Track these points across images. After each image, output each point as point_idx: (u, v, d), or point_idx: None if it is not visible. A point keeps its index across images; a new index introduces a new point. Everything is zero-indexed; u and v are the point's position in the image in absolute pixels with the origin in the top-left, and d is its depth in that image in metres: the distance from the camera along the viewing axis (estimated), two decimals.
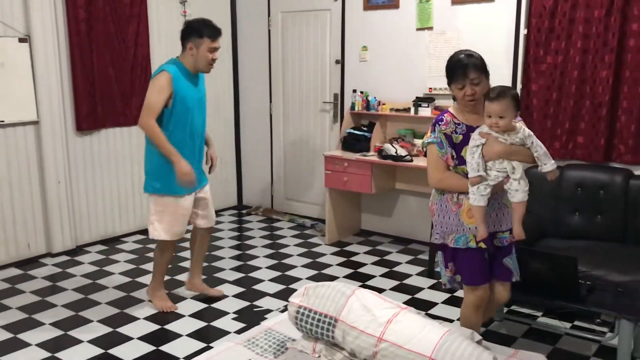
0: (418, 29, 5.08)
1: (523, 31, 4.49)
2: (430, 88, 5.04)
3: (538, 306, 3.83)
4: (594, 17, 4.15)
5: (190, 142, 3.66)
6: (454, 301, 4.08)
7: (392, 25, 5.23)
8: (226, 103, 6.43)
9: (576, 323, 3.66)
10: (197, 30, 3.53)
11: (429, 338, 2.31)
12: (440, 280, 3.65)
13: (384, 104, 5.27)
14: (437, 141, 2.80)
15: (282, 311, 3.73)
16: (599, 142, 4.22)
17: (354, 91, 5.43)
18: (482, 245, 2.80)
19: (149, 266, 4.65)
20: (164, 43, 5.59)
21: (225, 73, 6.33)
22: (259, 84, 6.30)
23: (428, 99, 4.97)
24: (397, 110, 5.14)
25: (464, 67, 2.74)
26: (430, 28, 5.00)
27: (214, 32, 3.55)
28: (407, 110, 5.07)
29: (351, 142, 5.28)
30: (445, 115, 2.84)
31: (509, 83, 4.63)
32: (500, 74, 4.64)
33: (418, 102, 5.00)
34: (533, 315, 3.78)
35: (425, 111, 4.94)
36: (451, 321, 3.68)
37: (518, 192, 2.74)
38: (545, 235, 4.24)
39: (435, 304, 4.05)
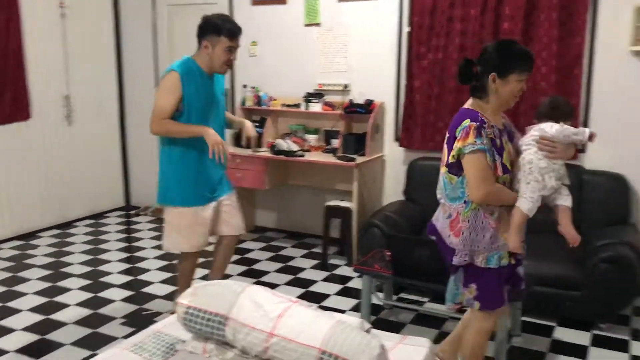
0: (306, 25, 5.12)
1: (406, 28, 4.65)
2: (320, 84, 5.10)
3: (425, 292, 3.99)
4: (470, 15, 4.38)
5: (203, 151, 3.24)
6: (346, 292, 4.17)
7: (280, 21, 5.23)
8: (110, 100, 6.13)
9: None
10: (215, 27, 3.18)
11: (318, 330, 2.32)
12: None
13: (275, 100, 5.27)
14: (487, 147, 2.40)
15: (173, 313, 3.62)
16: None
17: (245, 86, 5.38)
18: (512, 260, 2.59)
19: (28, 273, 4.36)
20: (38, 37, 5.23)
21: (108, 69, 6.04)
22: (144, 80, 6.07)
23: (318, 95, 5.03)
24: (289, 105, 5.15)
25: (532, 60, 2.50)
26: (318, 24, 5.06)
27: (233, 31, 3.20)
28: (298, 105, 5.10)
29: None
30: (479, 115, 2.44)
31: (393, 79, 4.80)
32: (386, 70, 4.80)
33: (308, 97, 5.04)
34: (420, 301, 3.93)
35: (316, 107, 4.99)
36: (343, 312, 3.75)
37: (569, 195, 2.63)
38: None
39: (329, 295, 4.11)
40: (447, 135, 2.51)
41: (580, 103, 4.18)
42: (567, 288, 3.54)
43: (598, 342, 3.42)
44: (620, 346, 3.37)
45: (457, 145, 2.41)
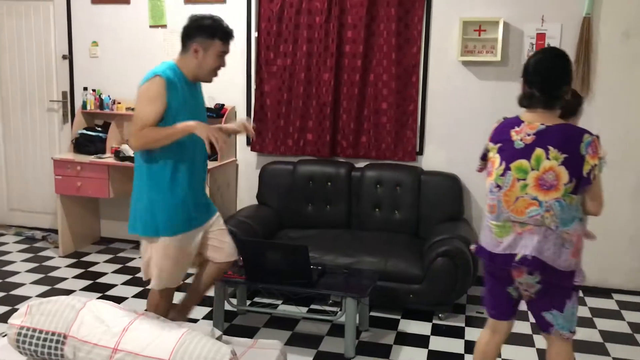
0: (151, 26, 4.94)
1: (254, 34, 4.68)
2: None
3: (277, 295, 4.02)
4: (315, 23, 4.51)
5: (191, 167, 2.86)
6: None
7: (123, 21, 5.00)
8: None
9: (312, 307, 3.94)
10: (208, 29, 2.78)
11: (166, 341, 2.24)
12: None
13: (119, 103, 5.02)
14: None
15: (5, 335, 3.29)
16: (325, 138, 4.60)
17: (85, 89, 5.06)
18: None
19: None
20: None
21: None
22: None
23: None
24: (134, 109, 4.92)
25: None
26: (164, 26, 4.91)
27: (228, 33, 2.85)
28: None
29: (84, 144, 4.91)
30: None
31: (244, 84, 4.80)
32: (236, 74, 4.78)
33: None
34: (274, 304, 3.96)
35: None
36: (196, 321, 3.66)
37: None
38: (284, 226, 4.49)
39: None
40: (563, 156, 2.28)
41: (417, 108, 4.47)
42: (410, 282, 3.76)
43: (438, 330, 3.68)
44: (457, 333, 3.65)
45: (592, 162, 2.27)
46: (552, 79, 2.36)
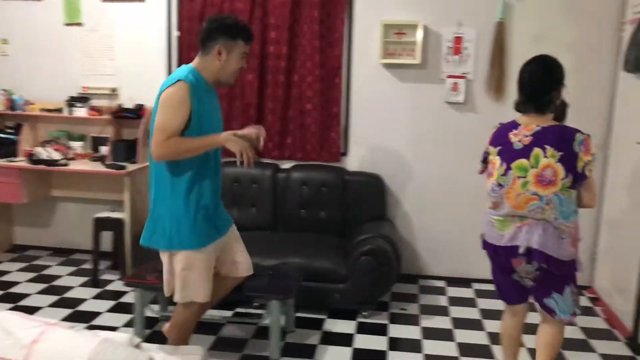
0: (67, 24, 4.74)
1: (175, 33, 4.58)
2: (85, 87, 4.77)
3: None
4: None
5: (214, 177, 2.74)
6: (120, 307, 3.94)
7: (36, 18, 4.78)
8: None
9: (237, 310, 3.90)
10: (230, 30, 2.63)
11: (80, 351, 2.15)
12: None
13: (32, 104, 4.79)
14: None
15: None
16: None
17: None
18: None
19: None
20: None
21: None
22: None
23: (83, 99, 4.69)
24: (49, 110, 4.72)
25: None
26: (80, 24, 4.72)
27: (249, 33, 2.71)
28: (60, 110, 4.70)
29: None
30: None
31: None
32: (157, 73, 4.66)
33: (72, 101, 4.68)
34: None
35: (81, 111, 4.65)
36: (115, 329, 3.54)
37: None
38: None
39: (100, 313, 3.85)
40: (559, 154, 2.50)
41: (341, 110, 4.52)
42: (335, 281, 3.79)
43: (362, 329, 3.72)
44: (381, 330, 3.71)
45: (585, 158, 2.50)
46: (540, 87, 2.59)
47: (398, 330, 3.70)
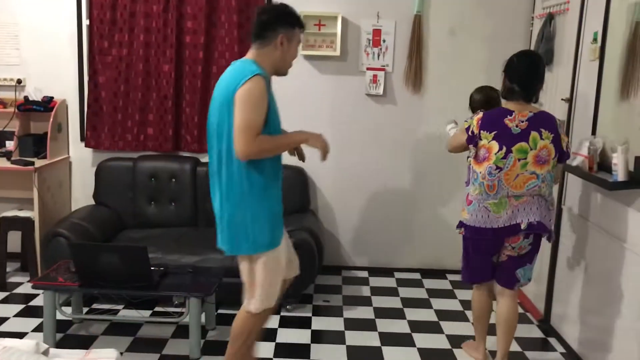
0: None
1: (85, 21, 4.35)
2: None
3: (118, 300, 3.79)
4: (153, 12, 4.29)
5: (280, 173, 2.70)
6: (30, 311, 3.73)
7: None
8: None
9: (156, 309, 3.77)
10: (289, 18, 2.56)
11: None
12: None
13: None
14: None
15: None
16: (168, 133, 4.42)
17: None
18: None
19: None
20: None
21: None
22: None
23: None
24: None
25: None
26: None
27: (302, 20, 2.64)
28: None
29: None
30: None
31: (75, 74, 4.46)
32: (67, 64, 4.43)
33: None
34: (114, 310, 3.73)
35: None
36: (24, 335, 3.34)
37: None
38: (125, 227, 4.25)
39: (8, 318, 3.62)
40: (551, 135, 2.79)
41: None
42: None
43: (286, 322, 3.69)
44: (305, 323, 3.70)
45: (565, 139, 2.85)
46: (531, 78, 2.83)
47: (321, 323, 3.70)
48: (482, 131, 2.83)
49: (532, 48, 4.22)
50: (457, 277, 4.50)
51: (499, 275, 3.03)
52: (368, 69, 4.40)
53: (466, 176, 3.06)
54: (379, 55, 4.39)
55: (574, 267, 3.42)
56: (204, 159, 4.44)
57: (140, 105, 4.40)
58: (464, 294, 4.20)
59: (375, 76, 4.40)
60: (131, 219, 4.30)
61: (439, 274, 4.60)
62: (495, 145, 2.79)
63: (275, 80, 4.47)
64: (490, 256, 3.00)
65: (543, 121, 2.81)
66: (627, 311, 2.84)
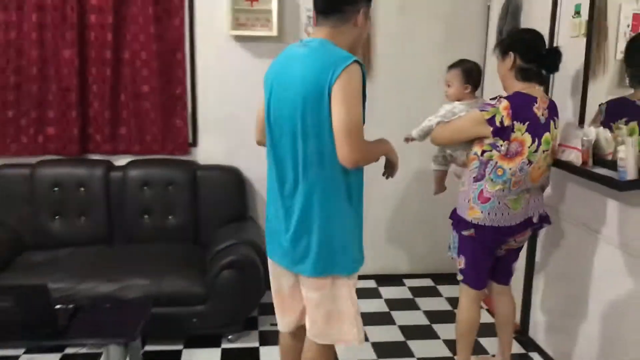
0: None
1: None
2: None
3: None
4: None
5: None
6: None
7: None
8: None
9: (67, 352, 3.07)
10: None
11: None
12: None
13: None
14: None
15: None
16: (73, 132, 3.67)
17: None
18: None
19: None
20: None
21: None
22: None
23: None
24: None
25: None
26: None
27: None
28: None
29: None
30: None
31: None
32: None
33: None
34: (12, 356, 3.00)
35: None
36: None
37: None
38: (24, 248, 3.50)
39: None
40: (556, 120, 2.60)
41: (186, 91, 3.79)
42: (191, 303, 3.11)
43: (228, 356, 3.11)
44: (251, 354, 3.13)
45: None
46: (544, 56, 2.55)
47: (270, 353, 3.13)
48: (515, 122, 2.45)
49: (492, 25, 3.80)
50: (415, 283, 4.08)
51: (496, 273, 2.82)
52: None
53: (475, 172, 2.57)
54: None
55: (554, 271, 3.04)
56: (119, 161, 3.75)
57: (36, 100, 3.63)
58: (425, 303, 3.77)
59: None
60: (32, 238, 3.55)
61: (396, 279, 4.14)
62: (528, 138, 2.47)
63: (200, 64, 3.83)
64: (491, 257, 2.74)
65: (555, 108, 2.61)
66: (616, 319, 2.48)
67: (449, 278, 4.12)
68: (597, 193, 2.64)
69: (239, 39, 3.75)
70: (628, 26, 2.67)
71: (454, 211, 2.74)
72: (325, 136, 1.99)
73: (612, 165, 2.43)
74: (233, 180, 3.78)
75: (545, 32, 3.04)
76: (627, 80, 2.61)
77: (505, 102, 2.46)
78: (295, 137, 2.05)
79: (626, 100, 2.57)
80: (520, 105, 2.47)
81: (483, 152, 2.52)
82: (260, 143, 2.37)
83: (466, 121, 2.59)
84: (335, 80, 1.92)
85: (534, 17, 3.24)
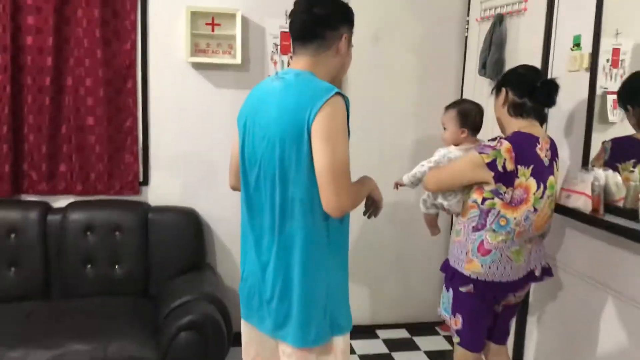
0: None
1: None
2: None
3: None
4: None
5: None
6: None
7: None
8: None
9: None
10: (350, 13, 1.87)
11: None
12: None
13: None
14: None
15: None
16: (4, 169, 3.19)
17: None
18: None
19: None
20: None
21: None
22: None
23: None
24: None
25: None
26: None
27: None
28: None
29: None
30: None
31: None
32: None
33: None
34: None
35: None
36: None
37: None
38: None
39: None
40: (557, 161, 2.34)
41: (137, 124, 3.37)
42: None
43: None
44: None
45: None
46: (538, 89, 2.27)
47: None
48: (519, 166, 2.18)
49: (470, 55, 3.58)
50: (390, 334, 3.72)
51: (492, 332, 2.51)
52: None
53: (475, 221, 2.27)
54: (289, 64, 3.50)
55: (551, 327, 2.76)
56: (57, 203, 3.28)
57: None
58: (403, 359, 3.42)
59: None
60: None
61: (369, 331, 3.78)
62: (533, 184, 2.21)
63: (153, 94, 3.45)
64: (490, 314, 2.45)
65: (556, 148, 2.36)
66: None
67: (425, 328, 3.84)
68: (606, 243, 2.38)
69: (198, 66, 3.38)
70: (608, 61, 2.49)
71: (446, 264, 2.43)
72: (307, 181, 1.73)
73: (628, 213, 2.18)
74: (189, 224, 3.36)
75: (536, 65, 2.83)
76: (620, 118, 2.40)
77: (506, 144, 2.18)
78: (273, 183, 1.79)
79: (633, 140, 2.34)
80: (523, 147, 2.21)
81: (484, 199, 2.23)
82: (234, 188, 2.09)
83: (464, 164, 2.30)
84: (315, 116, 1.68)
85: (522, 49, 3.02)
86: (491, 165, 2.17)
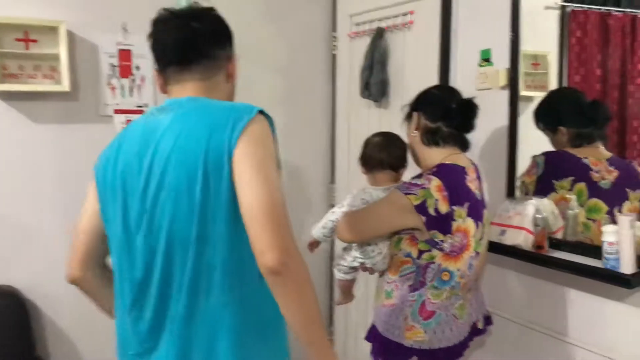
0: None
1: None
2: None
3: None
4: None
5: None
6: None
7: None
8: None
9: None
10: (231, 33, 1.48)
11: None
12: None
13: None
14: None
15: None
16: None
17: None
18: None
19: None
20: None
21: None
22: None
23: None
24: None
25: None
26: None
27: None
28: None
29: None
30: None
31: None
32: None
33: None
34: None
35: None
36: None
37: None
38: None
39: None
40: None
41: None
42: None
43: None
44: None
45: None
46: (454, 111, 1.91)
47: None
48: (454, 207, 1.78)
49: (340, 75, 3.21)
50: None
51: None
52: (117, 111, 2.76)
53: (411, 279, 1.84)
54: (131, 90, 2.79)
55: None
56: None
57: None
58: None
59: (129, 122, 2.78)
60: None
61: None
62: (471, 225, 1.83)
63: None
64: None
65: (479, 174, 1.99)
66: None
67: None
68: (544, 280, 2.10)
69: (8, 96, 2.52)
70: None
71: (374, 332, 1.96)
72: (228, 234, 1.27)
73: (572, 247, 1.94)
74: (9, 307, 2.49)
75: (433, 83, 2.51)
76: (558, 139, 2.17)
77: (435, 181, 1.78)
78: (183, 248, 1.27)
79: (569, 155, 2.08)
80: (453, 182, 1.82)
81: (420, 252, 1.82)
82: (77, 281, 1.46)
83: (388, 208, 1.84)
84: (236, 141, 1.25)
85: (412, 67, 2.70)
86: (421, 209, 1.75)
